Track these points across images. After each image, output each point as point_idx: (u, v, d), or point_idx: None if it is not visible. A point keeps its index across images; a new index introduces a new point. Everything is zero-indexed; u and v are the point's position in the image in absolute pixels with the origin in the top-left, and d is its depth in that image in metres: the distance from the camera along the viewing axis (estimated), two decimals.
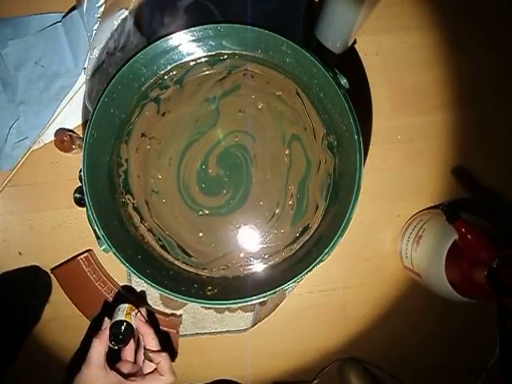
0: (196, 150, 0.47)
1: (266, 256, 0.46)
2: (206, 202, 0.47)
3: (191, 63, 0.46)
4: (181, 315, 0.57)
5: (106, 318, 0.50)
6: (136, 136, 0.47)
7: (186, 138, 0.47)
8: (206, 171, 0.47)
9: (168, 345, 0.56)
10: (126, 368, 0.49)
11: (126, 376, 0.48)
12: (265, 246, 0.46)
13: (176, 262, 0.46)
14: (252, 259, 0.46)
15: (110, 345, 0.48)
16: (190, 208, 0.47)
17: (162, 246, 0.47)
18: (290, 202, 0.46)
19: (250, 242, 0.47)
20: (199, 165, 0.47)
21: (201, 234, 0.47)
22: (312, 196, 0.46)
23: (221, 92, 0.46)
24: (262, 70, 0.46)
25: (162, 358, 0.48)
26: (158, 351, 0.49)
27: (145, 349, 0.49)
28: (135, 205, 0.47)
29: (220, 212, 0.47)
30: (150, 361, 0.48)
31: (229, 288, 0.44)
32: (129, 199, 0.47)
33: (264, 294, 0.41)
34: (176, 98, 0.47)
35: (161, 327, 0.56)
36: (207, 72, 0.47)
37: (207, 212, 0.47)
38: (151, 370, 0.48)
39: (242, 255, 0.46)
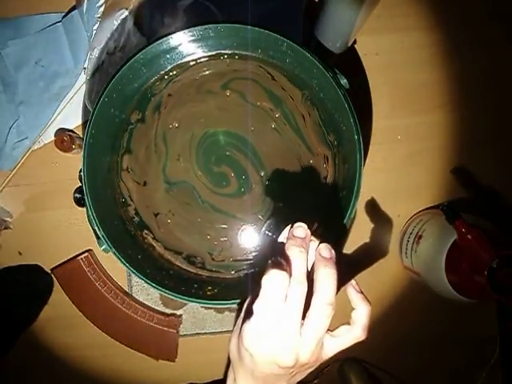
0: (220, 201, 0.46)
1: None
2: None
3: (191, 63, 0.46)
4: (181, 315, 0.57)
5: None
6: (146, 212, 0.46)
7: (194, 209, 0.46)
8: (237, 187, 0.46)
9: (168, 345, 0.57)
10: None
11: None
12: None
13: (176, 262, 0.46)
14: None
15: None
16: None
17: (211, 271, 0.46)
18: (276, 115, 0.46)
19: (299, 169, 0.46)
20: (229, 194, 0.46)
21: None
22: (312, 145, 0.46)
23: (165, 154, 0.46)
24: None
25: (365, 310, 0.35)
26: (363, 297, 0.35)
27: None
28: (183, 255, 0.46)
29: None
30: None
31: (229, 288, 0.44)
32: (146, 233, 0.46)
33: None
34: (138, 168, 0.46)
35: (161, 327, 0.56)
36: (143, 128, 0.46)
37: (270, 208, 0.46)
38: None
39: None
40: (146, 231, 0.46)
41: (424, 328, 0.58)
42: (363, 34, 0.56)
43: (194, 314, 0.57)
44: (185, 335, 0.57)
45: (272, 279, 0.30)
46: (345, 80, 0.45)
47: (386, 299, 0.58)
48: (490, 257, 0.42)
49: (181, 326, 0.57)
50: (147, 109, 0.46)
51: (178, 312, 0.57)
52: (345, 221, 0.40)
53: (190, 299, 0.41)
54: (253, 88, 0.46)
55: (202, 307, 0.57)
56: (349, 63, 0.58)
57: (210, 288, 0.44)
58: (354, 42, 0.58)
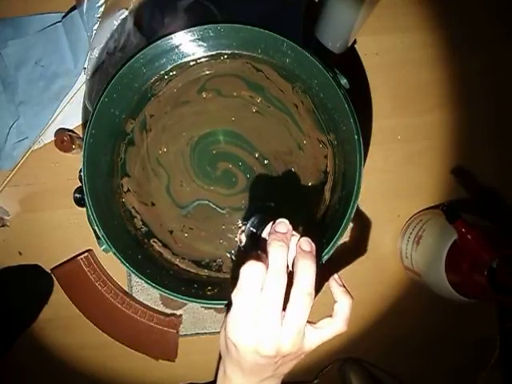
0: (238, 200, 0.46)
1: None
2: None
3: (191, 63, 0.46)
4: (181, 315, 0.57)
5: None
6: (160, 230, 0.46)
7: (216, 220, 0.46)
8: (245, 184, 0.46)
9: (168, 345, 0.57)
10: None
11: None
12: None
13: (176, 262, 0.46)
14: None
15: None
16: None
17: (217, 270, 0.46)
18: (258, 100, 0.46)
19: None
20: (239, 185, 0.46)
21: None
22: (306, 129, 0.46)
23: (166, 178, 0.46)
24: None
25: (346, 303, 0.36)
26: (345, 291, 0.37)
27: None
28: (203, 262, 0.46)
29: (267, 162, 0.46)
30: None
31: (229, 288, 0.44)
32: (154, 241, 0.46)
33: None
34: (141, 190, 0.46)
35: (161, 327, 0.56)
36: (135, 151, 0.46)
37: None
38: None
39: None
40: (154, 239, 0.46)
41: (424, 328, 0.58)
42: (363, 34, 0.56)
43: (194, 314, 0.57)
44: (185, 335, 0.57)
45: (248, 269, 0.31)
46: (345, 80, 0.45)
47: (386, 299, 0.58)
48: (489, 257, 0.42)
49: (181, 326, 0.57)
50: (134, 131, 0.46)
51: (178, 312, 0.57)
52: (345, 221, 0.40)
53: (190, 299, 0.41)
54: (229, 81, 0.46)
55: (202, 307, 0.57)
56: (349, 63, 0.58)
57: (210, 288, 0.44)
58: (354, 41, 0.58)
